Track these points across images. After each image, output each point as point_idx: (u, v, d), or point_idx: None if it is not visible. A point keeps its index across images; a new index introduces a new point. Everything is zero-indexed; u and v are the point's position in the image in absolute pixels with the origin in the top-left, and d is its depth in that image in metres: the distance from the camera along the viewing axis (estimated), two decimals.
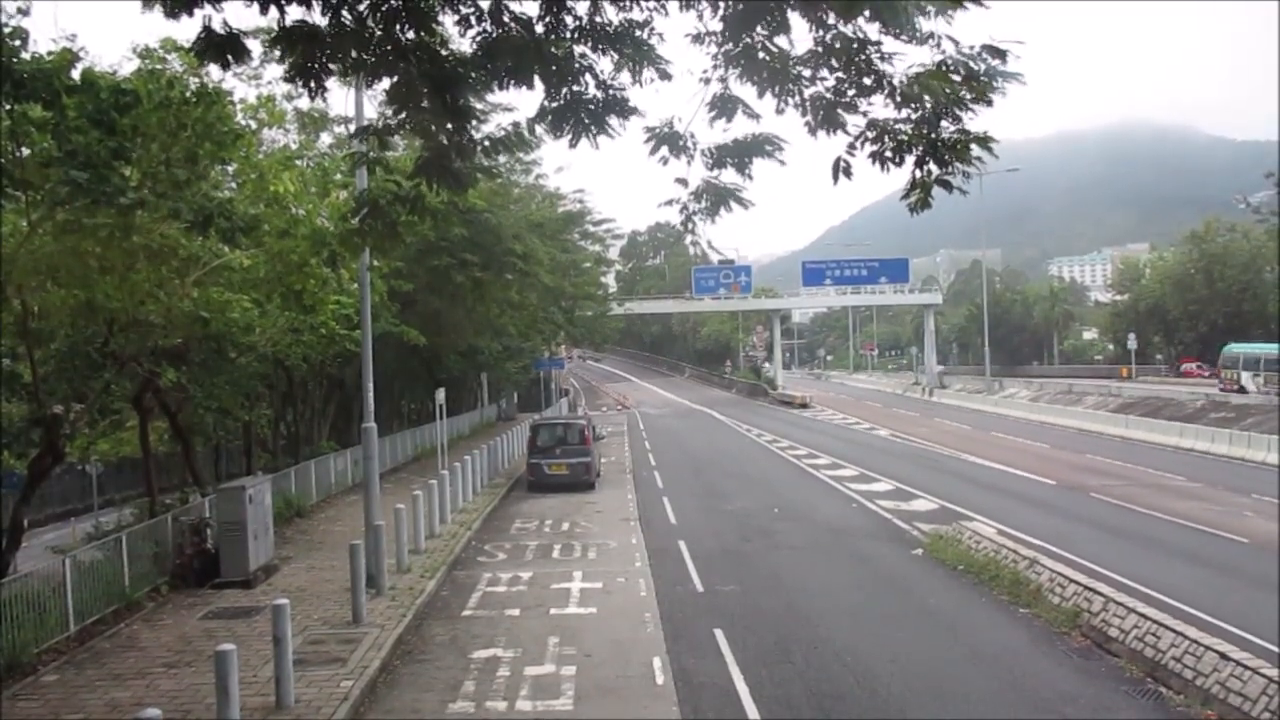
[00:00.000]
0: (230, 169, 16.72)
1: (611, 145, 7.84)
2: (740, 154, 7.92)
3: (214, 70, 13.20)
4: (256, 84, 21.18)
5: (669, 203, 8.44)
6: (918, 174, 7.70)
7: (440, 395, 25.00)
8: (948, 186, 7.64)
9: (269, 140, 24.08)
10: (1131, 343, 74.93)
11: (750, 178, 7.91)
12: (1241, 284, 76.03)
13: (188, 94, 11.84)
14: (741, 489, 27.82)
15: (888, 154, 7.68)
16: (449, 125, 8.23)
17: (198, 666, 11.35)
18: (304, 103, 23.44)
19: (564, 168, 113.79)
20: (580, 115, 7.82)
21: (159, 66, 13.03)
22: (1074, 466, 31.65)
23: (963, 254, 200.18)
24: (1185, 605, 13.72)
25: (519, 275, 33.24)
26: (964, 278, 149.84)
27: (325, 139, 28.11)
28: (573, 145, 7.86)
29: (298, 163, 16.00)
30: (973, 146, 7.53)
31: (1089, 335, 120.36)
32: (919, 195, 7.71)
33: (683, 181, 8.34)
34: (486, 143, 8.61)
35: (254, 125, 19.28)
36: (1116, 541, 19.25)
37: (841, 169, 7.31)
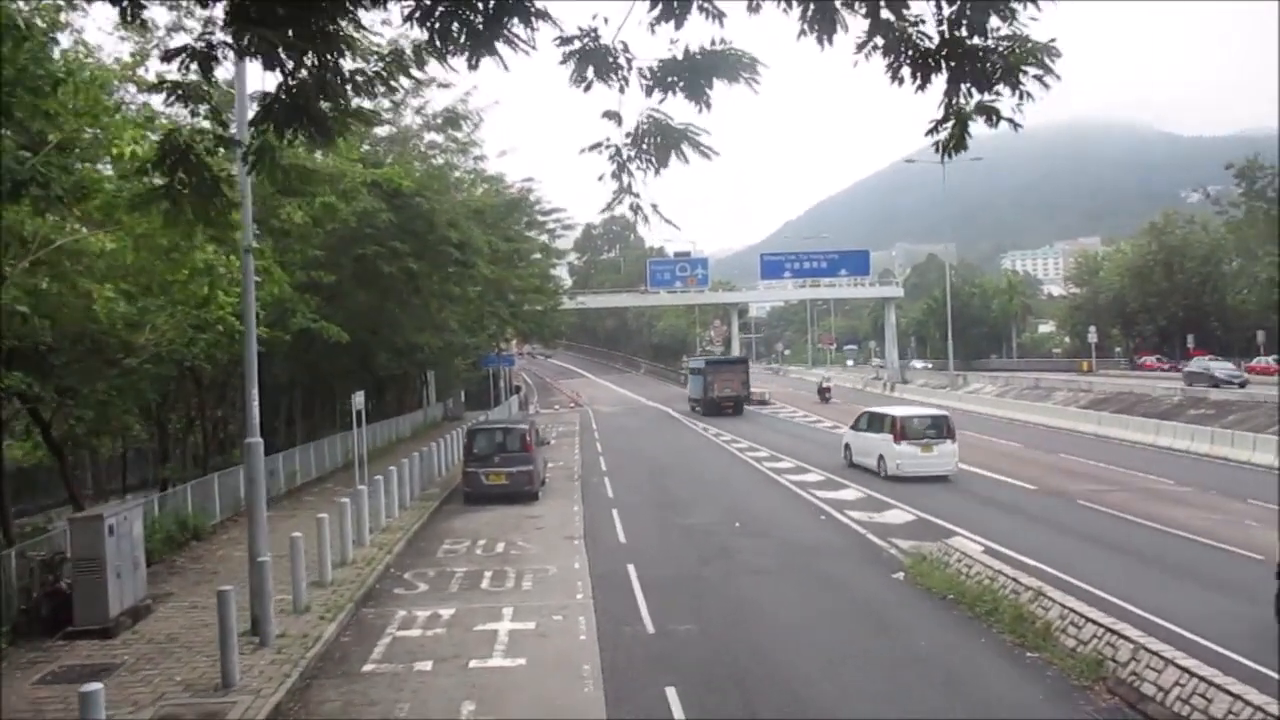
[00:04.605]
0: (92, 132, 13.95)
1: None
2: (694, 73, 5.56)
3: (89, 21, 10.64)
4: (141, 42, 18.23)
5: (594, 147, 6.08)
6: (951, 101, 5.41)
7: (359, 399, 22.30)
8: (994, 117, 5.35)
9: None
10: (1092, 336, 74.16)
11: (708, 106, 5.53)
12: (1201, 276, 75.56)
13: None
14: (699, 498, 25.50)
15: (904, 70, 5.39)
16: (308, 54, 6.02)
17: None
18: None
19: (507, 151, 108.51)
20: (466, 15, 5.56)
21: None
22: (1052, 468, 29.81)
23: (918, 248, 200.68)
24: (1218, 646, 11.69)
25: (458, 266, 30.68)
26: (920, 271, 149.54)
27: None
28: (472, 66, 5.65)
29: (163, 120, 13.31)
30: (1029, 64, 5.25)
31: (1045, 328, 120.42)
32: (954, 131, 5.41)
33: (613, 115, 5.97)
34: (359, 77, 6.40)
35: (133, 88, 16.62)
36: (1117, 560, 17.25)
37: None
